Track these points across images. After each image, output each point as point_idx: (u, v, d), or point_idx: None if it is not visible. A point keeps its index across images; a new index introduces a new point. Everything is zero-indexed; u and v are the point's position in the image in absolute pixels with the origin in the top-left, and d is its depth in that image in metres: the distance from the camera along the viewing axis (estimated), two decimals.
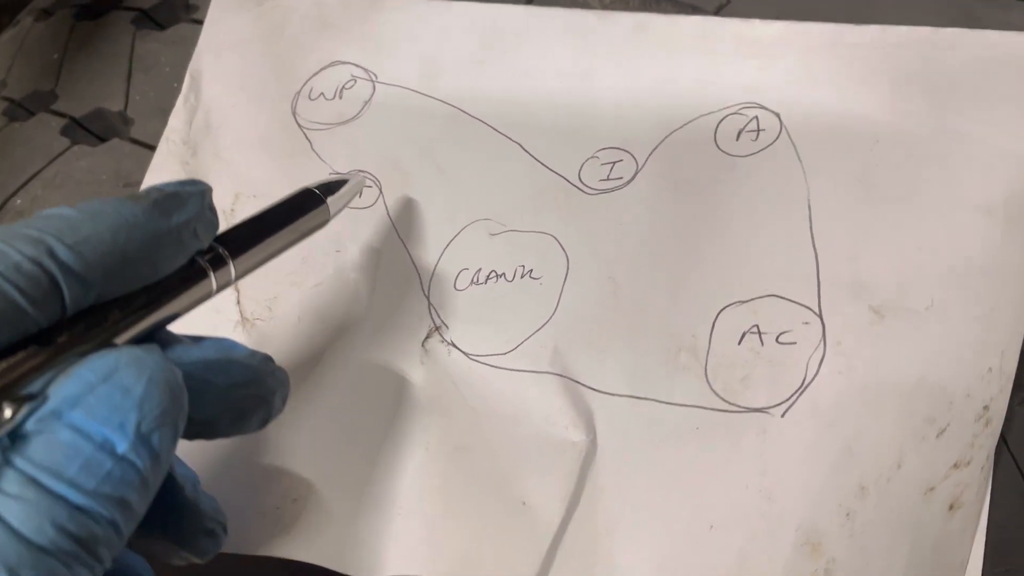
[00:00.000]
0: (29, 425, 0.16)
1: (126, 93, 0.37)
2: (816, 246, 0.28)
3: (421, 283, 0.31)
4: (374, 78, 0.35)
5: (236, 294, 0.31)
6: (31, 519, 0.15)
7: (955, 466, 0.25)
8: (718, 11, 0.35)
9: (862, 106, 0.30)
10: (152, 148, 0.35)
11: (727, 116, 0.31)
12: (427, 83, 0.34)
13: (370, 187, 0.33)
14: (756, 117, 0.31)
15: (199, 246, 0.20)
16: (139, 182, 0.35)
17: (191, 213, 0.20)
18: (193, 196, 0.20)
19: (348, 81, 0.35)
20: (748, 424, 0.26)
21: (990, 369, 0.26)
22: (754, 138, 0.31)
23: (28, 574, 0.15)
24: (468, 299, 0.30)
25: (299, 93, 0.35)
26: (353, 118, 0.34)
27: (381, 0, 0.36)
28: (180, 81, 0.36)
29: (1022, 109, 0.29)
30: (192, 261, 0.20)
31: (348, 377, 0.29)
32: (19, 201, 0.36)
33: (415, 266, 0.31)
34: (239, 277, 0.22)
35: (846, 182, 0.29)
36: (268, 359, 0.22)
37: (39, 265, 0.17)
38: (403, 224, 0.32)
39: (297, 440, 0.29)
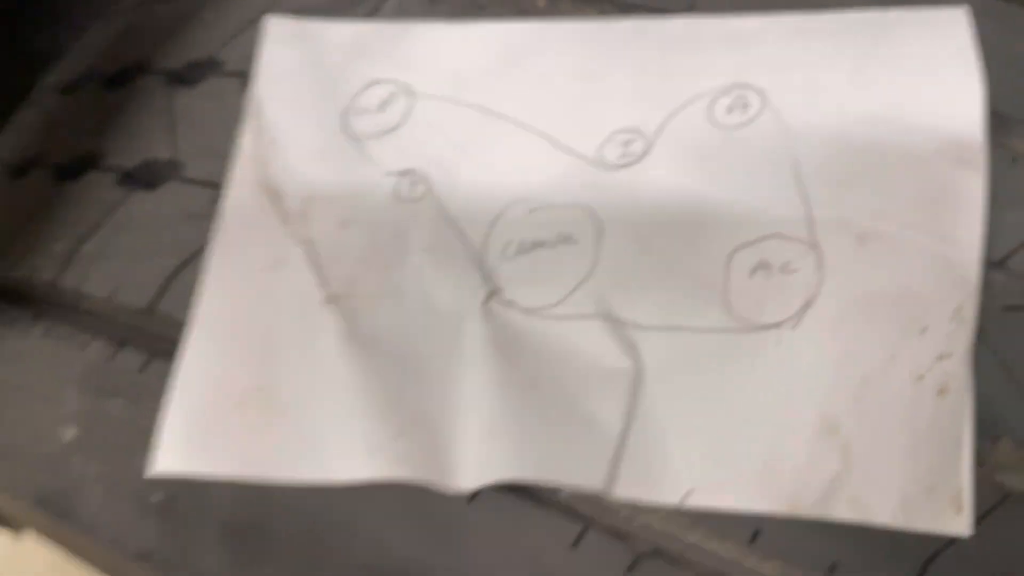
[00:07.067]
0: None
1: (174, 142, 0.41)
2: (809, 192, 0.34)
3: (476, 256, 0.36)
4: (411, 91, 0.40)
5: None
6: None
7: (939, 358, 0.31)
8: (687, 12, 0.41)
9: (830, 80, 0.36)
10: (210, 184, 0.39)
11: (718, 97, 0.37)
12: (457, 92, 0.40)
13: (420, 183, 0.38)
14: (744, 95, 0.37)
15: None
16: (204, 213, 0.39)
17: None
18: None
19: (389, 96, 0.40)
20: (767, 339, 0.32)
21: (959, 276, 0.32)
22: (743, 112, 0.36)
23: None
24: (518, 265, 0.35)
25: (347, 109, 0.40)
26: (397, 127, 0.40)
27: (410, 26, 0.42)
28: (225, 127, 0.40)
29: (952, 71, 0.35)
30: None
31: (419, 334, 0.35)
32: (89, 247, 0.40)
33: (468, 243, 0.36)
34: None
35: (825, 139, 0.35)
36: None
37: None
38: (452, 211, 0.37)
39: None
